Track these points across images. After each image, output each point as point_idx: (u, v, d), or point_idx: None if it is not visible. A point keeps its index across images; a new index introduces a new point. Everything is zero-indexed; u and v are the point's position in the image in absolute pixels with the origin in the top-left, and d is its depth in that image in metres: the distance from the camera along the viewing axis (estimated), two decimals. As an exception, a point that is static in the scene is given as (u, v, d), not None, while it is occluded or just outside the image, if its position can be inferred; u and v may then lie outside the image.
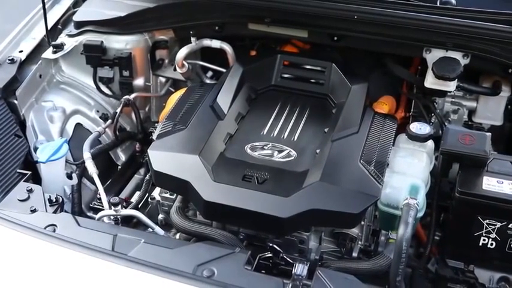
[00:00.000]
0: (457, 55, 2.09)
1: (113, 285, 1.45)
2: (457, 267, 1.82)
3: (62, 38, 2.44)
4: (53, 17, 2.54)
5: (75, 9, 2.55)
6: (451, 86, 2.12)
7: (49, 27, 2.38)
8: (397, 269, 1.59)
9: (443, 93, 2.22)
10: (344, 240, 1.80)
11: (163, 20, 2.39)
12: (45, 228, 1.59)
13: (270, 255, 1.72)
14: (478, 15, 2.03)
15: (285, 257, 1.72)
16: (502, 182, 1.71)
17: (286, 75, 2.18)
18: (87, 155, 2.07)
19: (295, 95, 2.12)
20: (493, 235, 1.71)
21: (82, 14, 2.48)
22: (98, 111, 2.43)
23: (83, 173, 2.11)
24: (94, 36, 2.41)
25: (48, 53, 2.37)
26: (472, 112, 2.32)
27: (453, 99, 2.30)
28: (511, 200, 1.66)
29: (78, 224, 1.64)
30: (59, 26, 2.52)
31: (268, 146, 1.88)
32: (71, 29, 2.46)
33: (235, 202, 1.65)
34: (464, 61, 2.09)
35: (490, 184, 1.71)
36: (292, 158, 1.83)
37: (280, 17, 2.21)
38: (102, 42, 2.39)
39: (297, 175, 1.74)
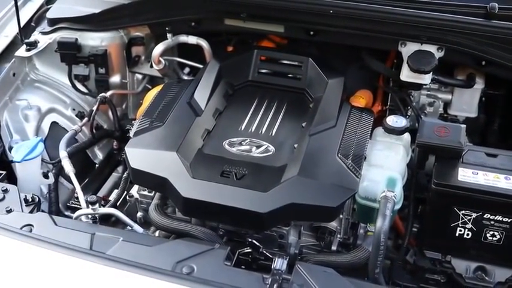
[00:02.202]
0: (431, 48, 2.11)
1: (91, 284, 1.44)
2: (434, 258, 1.85)
3: (36, 36, 2.41)
4: (26, 14, 2.51)
5: (49, 6, 2.52)
6: (426, 79, 2.14)
7: (22, 25, 2.34)
8: (376, 261, 1.61)
9: (418, 86, 2.24)
10: (323, 233, 1.81)
11: (138, 16, 2.38)
12: (21, 228, 1.57)
13: (250, 250, 1.72)
14: (452, 8, 2.05)
15: (265, 252, 1.72)
16: (477, 173, 1.74)
17: (263, 71, 2.18)
18: (63, 154, 2.05)
19: (272, 90, 2.12)
20: (469, 225, 1.74)
21: (55, 11, 2.45)
22: (74, 110, 2.41)
23: (60, 172, 2.09)
24: (68, 33, 2.38)
25: (22, 51, 2.34)
26: (447, 104, 2.35)
27: (429, 92, 2.33)
28: (485, 191, 1.69)
29: (55, 224, 1.62)
30: (32, 24, 2.48)
31: (246, 141, 1.88)
32: (44, 26, 2.44)
33: (214, 198, 1.65)
34: (438, 54, 2.11)
35: (465, 175, 1.74)
36: (270, 153, 1.84)
37: (256, 12, 2.21)
38: (76, 39, 2.36)
39: (275, 170, 1.75)
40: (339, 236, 1.81)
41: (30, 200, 1.76)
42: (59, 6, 2.48)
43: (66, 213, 2.11)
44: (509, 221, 1.70)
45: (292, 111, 2.03)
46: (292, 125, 1.96)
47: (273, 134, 1.92)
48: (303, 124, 1.94)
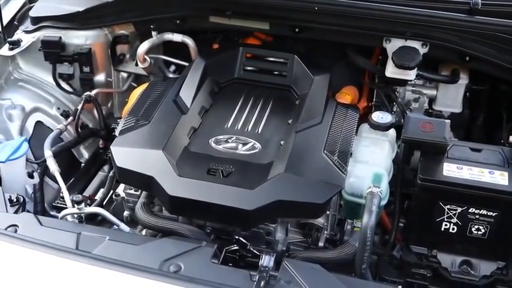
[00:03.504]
0: (416, 44, 2.12)
1: (78, 284, 1.43)
2: (420, 253, 1.86)
3: (19, 34, 2.39)
4: (9, 12, 2.48)
5: (32, 4, 2.50)
6: (411, 75, 2.15)
7: (4, 23, 2.32)
8: (363, 257, 1.61)
9: (403, 82, 2.25)
10: (310, 230, 1.81)
11: (123, 14, 2.36)
12: (6, 229, 1.55)
13: (237, 248, 1.72)
14: (436, 4, 2.07)
15: (252, 249, 1.72)
16: (462, 168, 1.75)
17: (249, 68, 2.18)
18: (48, 153, 2.03)
19: (258, 87, 2.12)
20: (454, 220, 1.75)
21: (39, 9, 2.43)
22: (58, 109, 2.39)
23: (45, 171, 2.08)
24: (52, 31, 2.36)
25: (5, 50, 2.32)
26: (432, 100, 2.36)
27: (414, 88, 2.34)
28: (470, 185, 1.70)
29: (41, 224, 1.60)
30: (15, 22, 2.46)
31: (233, 139, 1.88)
32: (27, 24, 2.42)
33: (201, 196, 1.65)
34: (423, 50, 2.12)
35: (450, 170, 1.75)
36: (257, 150, 1.84)
37: (241, 10, 2.20)
38: (60, 38, 2.34)
39: (261, 167, 1.75)
40: (325, 232, 1.81)
41: (15, 200, 1.75)
42: (42, 5, 2.45)
43: (52, 213, 2.10)
44: (493, 214, 1.71)
45: (278, 108, 2.03)
46: (278, 122, 1.96)
47: (259, 131, 1.92)
48: (289, 121, 1.94)
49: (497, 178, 1.72)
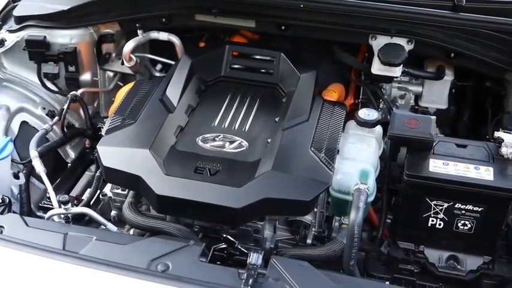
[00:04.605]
0: (401, 41, 2.13)
1: (65, 284, 1.42)
2: (408, 249, 1.87)
3: (3, 34, 2.37)
4: (-8, 11, 2.46)
5: (16, 4, 2.47)
6: (396, 72, 2.17)
7: (-12, 23, 2.30)
8: (350, 254, 1.62)
9: (389, 79, 2.26)
10: (298, 227, 1.82)
11: (108, 13, 2.35)
12: (-9, 230, 1.55)
13: (225, 246, 1.72)
14: (421, 1, 2.08)
15: (240, 247, 1.72)
16: (448, 164, 1.76)
17: (235, 66, 2.18)
18: (34, 154, 2.02)
19: (245, 85, 2.12)
20: (441, 215, 1.77)
21: (23, 8, 2.41)
22: (44, 108, 2.37)
23: (31, 172, 2.06)
24: (36, 31, 2.35)
25: (-12, 50, 2.30)
26: (418, 97, 2.38)
27: (400, 85, 2.36)
28: (456, 181, 1.71)
29: (27, 225, 1.59)
30: (-1, 22, 2.44)
31: (220, 137, 1.88)
32: (11, 24, 2.40)
33: (188, 195, 1.64)
34: (408, 47, 2.14)
35: (436, 166, 1.76)
36: (244, 148, 1.84)
37: (227, 8, 2.20)
38: (45, 37, 2.32)
39: (249, 165, 1.75)
40: (313, 229, 1.82)
41: (0, 201, 1.74)
42: (26, 4, 2.43)
43: (39, 213, 2.08)
44: (479, 210, 1.73)
45: (265, 106, 2.03)
46: (265, 120, 1.96)
47: (246, 129, 1.92)
48: (276, 119, 1.94)
49: (482, 173, 1.73)
